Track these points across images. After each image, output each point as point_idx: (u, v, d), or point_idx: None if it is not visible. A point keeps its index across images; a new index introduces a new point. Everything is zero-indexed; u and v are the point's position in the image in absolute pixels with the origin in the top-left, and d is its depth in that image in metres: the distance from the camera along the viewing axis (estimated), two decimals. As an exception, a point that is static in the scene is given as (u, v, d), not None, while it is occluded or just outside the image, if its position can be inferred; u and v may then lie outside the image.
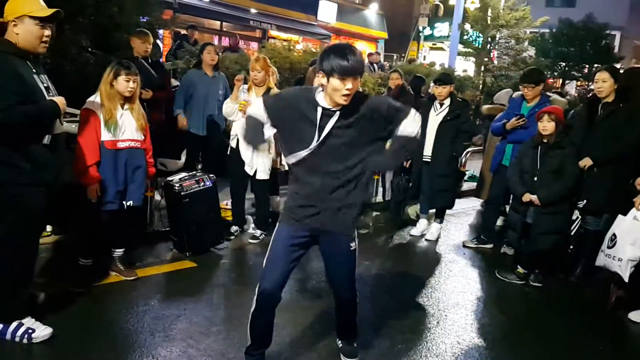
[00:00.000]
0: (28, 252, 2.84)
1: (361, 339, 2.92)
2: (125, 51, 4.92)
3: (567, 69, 17.64)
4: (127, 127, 3.45)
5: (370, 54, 13.55)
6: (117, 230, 3.65)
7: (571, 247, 4.38)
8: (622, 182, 4.00)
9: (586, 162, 4.12)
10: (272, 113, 2.39)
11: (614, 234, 3.77)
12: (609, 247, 3.79)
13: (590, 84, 16.53)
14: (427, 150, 5.05)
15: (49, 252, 4.02)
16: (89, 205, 3.39)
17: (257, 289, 2.50)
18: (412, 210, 6.00)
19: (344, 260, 2.55)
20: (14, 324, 2.78)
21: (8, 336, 2.77)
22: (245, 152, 4.55)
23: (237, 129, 4.59)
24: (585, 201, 4.16)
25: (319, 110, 2.30)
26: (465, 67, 15.72)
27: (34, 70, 2.70)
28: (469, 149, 7.14)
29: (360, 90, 6.91)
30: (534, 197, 4.01)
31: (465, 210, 6.54)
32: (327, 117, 2.30)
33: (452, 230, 5.69)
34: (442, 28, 19.20)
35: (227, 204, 5.08)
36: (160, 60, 6.74)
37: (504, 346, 3.20)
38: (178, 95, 5.28)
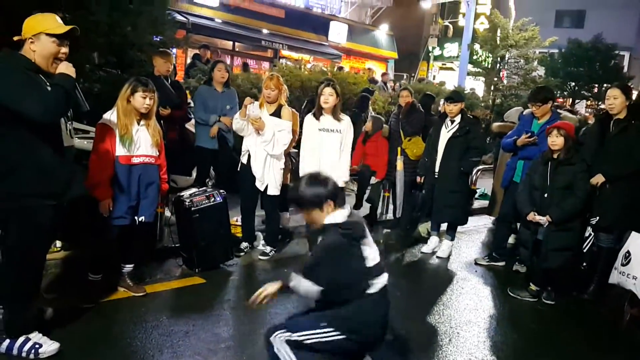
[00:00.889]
0: (35, 265, 2.84)
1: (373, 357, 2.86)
2: (138, 69, 5.01)
3: (576, 88, 17.65)
4: (142, 143, 3.47)
5: (383, 74, 13.97)
6: (127, 246, 3.65)
7: (584, 264, 4.31)
8: (635, 199, 3.96)
9: (598, 179, 4.08)
10: None
11: (628, 252, 3.72)
12: (622, 265, 3.73)
13: (600, 103, 16.52)
14: (437, 167, 5.06)
15: (58, 268, 4.02)
16: (100, 220, 3.40)
17: None
18: (423, 227, 5.96)
19: None
20: (21, 339, 2.77)
21: (15, 351, 2.75)
22: (257, 167, 4.57)
23: (249, 144, 4.61)
24: (597, 218, 4.10)
25: None
26: (474, 86, 15.77)
27: (47, 83, 2.73)
28: (480, 167, 7.12)
29: (371, 111, 6.80)
30: (540, 218, 3.96)
31: (477, 228, 6.48)
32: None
33: (464, 248, 5.63)
34: (451, 48, 19.36)
35: (237, 220, 5.08)
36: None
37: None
38: (198, 107, 5.30)
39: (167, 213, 4.77)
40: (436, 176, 5.08)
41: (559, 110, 5.32)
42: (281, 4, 15.48)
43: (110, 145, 3.36)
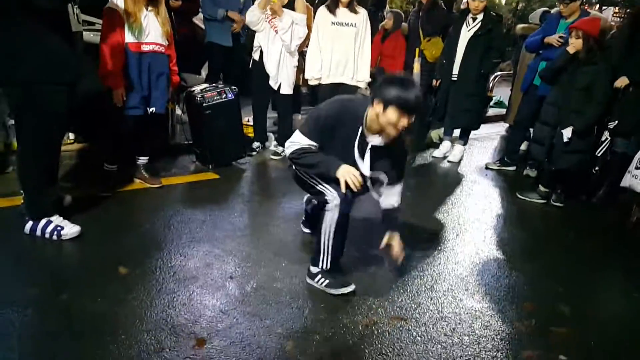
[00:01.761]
0: (51, 151, 2.87)
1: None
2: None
3: (605, -7, 16.55)
4: (152, 31, 3.35)
5: None
6: (141, 138, 3.67)
7: (597, 168, 4.29)
8: (659, 104, 3.83)
9: (622, 81, 3.93)
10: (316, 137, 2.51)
11: None
12: (636, 168, 3.71)
13: (628, 10, 15.58)
14: (456, 69, 4.90)
15: (72, 159, 4.10)
16: (114, 110, 3.38)
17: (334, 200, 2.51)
18: (435, 133, 5.91)
19: None
20: (43, 221, 2.86)
21: (38, 232, 2.85)
22: (271, 65, 4.44)
23: (261, 40, 4.45)
24: (616, 122, 4.02)
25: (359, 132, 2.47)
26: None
27: None
28: (497, 73, 6.91)
29: (388, 9, 6.40)
30: (566, 132, 3.86)
31: (490, 135, 6.42)
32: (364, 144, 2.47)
33: (476, 154, 5.62)
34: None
35: (248, 120, 5.05)
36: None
37: (523, 259, 3.23)
38: (207, 1, 5.04)
39: (178, 111, 4.74)
40: (454, 78, 4.93)
41: (588, 10, 5.02)
42: None
43: (120, 32, 3.24)
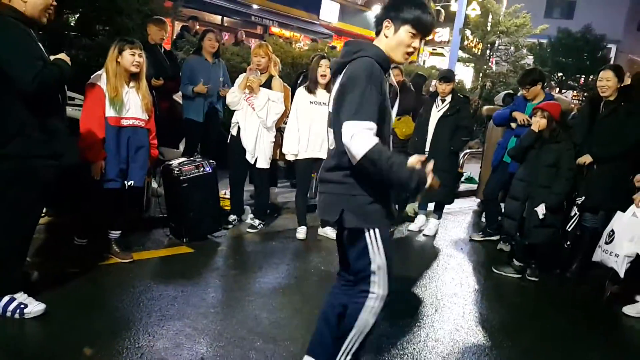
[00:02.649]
0: (28, 226, 2.80)
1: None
2: (127, 36, 4.90)
3: (564, 78, 17.80)
4: (132, 105, 3.41)
5: None
6: (115, 211, 3.61)
7: (568, 242, 4.38)
8: (621, 180, 4.01)
9: (586, 159, 4.13)
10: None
11: (612, 230, 3.78)
12: (606, 243, 3.79)
13: (585, 94, 16.70)
14: (428, 146, 5.08)
15: (42, 233, 3.95)
16: (89, 183, 3.35)
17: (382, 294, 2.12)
18: (410, 207, 5.99)
19: None
20: (6, 298, 2.72)
21: (-1, 311, 2.71)
22: (248, 140, 4.53)
23: (239, 117, 4.57)
24: (583, 198, 4.17)
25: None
26: (464, 73, 15.80)
27: (36, 38, 2.67)
28: (467, 151, 7.18)
29: None
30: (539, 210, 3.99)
31: (463, 210, 6.54)
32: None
33: (450, 227, 5.69)
34: (443, 33, 19.29)
35: (225, 194, 5.05)
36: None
37: (502, 334, 3.19)
38: (184, 80, 5.22)
39: (154, 184, 4.72)
40: (426, 155, 5.10)
41: (552, 94, 5.37)
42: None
43: (100, 106, 3.30)
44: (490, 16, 13.92)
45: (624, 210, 3.80)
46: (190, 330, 2.79)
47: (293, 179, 6.41)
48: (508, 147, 4.70)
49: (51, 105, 2.71)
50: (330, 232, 4.68)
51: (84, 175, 3.32)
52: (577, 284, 4.24)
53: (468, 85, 14.16)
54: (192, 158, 4.44)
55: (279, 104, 4.52)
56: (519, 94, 5.26)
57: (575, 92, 18.23)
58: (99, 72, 3.38)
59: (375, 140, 1.85)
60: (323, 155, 4.59)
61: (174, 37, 8.11)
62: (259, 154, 4.58)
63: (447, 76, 5.07)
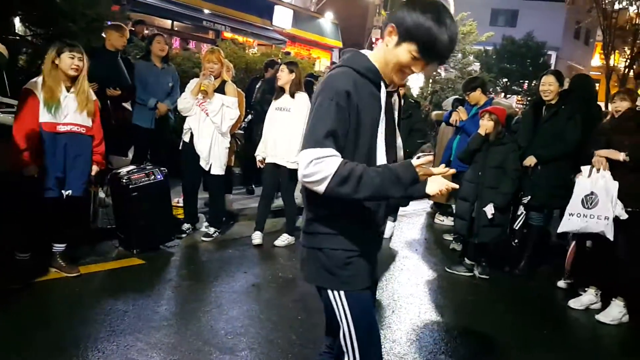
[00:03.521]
0: None
1: (319, 328, 2.86)
2: (72, 41, 4.70)
3: (508, 84, 18.59)
4: (71, 112, 3.27)
5: (332, 63, 14.23)
6: (57, 223, 3.44)
7: (516, 240, 4.54)
8: (564, 179, 4.19)
9: (530, 160, 4.30)
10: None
11: (592, 193, 3.65)
12: (588, 208, 3.66)
13: (529, 99, 17.51)
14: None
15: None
16: (27, 193, 3.18)
17: None
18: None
19: None
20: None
21: None
22: (202, 146, 4.44)
23: (192, 122, 4.47)
24: (529, 197, 4.33)
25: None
26: (414, 79, 16.16)
27: None
28: (419, 154, 7.34)
29: None
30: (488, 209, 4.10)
31: (417, 212, 6.67)
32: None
33: (405, 229, 5.78)
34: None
35: (178, 202, 4.92)
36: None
37: (457, 332, 3.26)
38: (139, 87, 5.05)
39: (101, 194, 4.53)
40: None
41: (493, 98, 5.60)
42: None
43: (34, 112, 3.15)
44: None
45: (563, 210, 3.93)
46: (142, 345, 2.69)
47: (249, 185, 6.35)
48: (453, 146, 4.85)
49: None
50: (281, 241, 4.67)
51: (23, 185, 3.15)
52: (526, 279, 4.39)
53: (419, 85, 14.51)
54: (142, 166, 4.31)
55: (233, 109, 4.46)
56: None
57: (519, 96, 19.08)
58: (36, 79, 3.23)
59: (328, 170, 1.50)
60: (279, 160, 4.56)
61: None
62: (213, 160, 4.50)
63: None
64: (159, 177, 4.17)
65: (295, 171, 4.57)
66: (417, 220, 6.35)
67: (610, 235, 3.54)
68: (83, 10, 5.37)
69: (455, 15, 15.28)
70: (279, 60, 4.99)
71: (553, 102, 4.32)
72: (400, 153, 1.81)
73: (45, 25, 5.22)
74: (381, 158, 1.68)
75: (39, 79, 3.20)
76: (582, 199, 3.71)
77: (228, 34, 14.06)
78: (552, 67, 20.67)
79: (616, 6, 17.59)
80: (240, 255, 4.35)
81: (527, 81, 18.71)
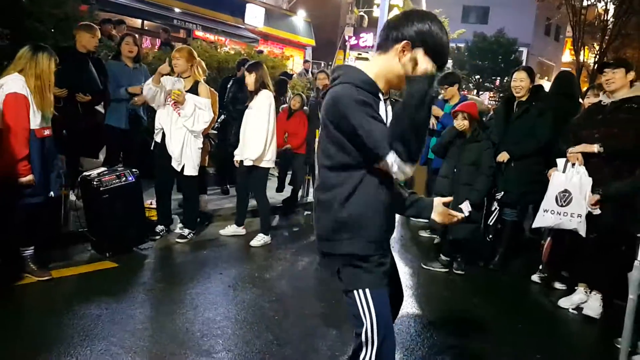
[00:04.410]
0: None
1: (296, 328, 2.87)
2: (38, 42, 4.57)
3: (480, 80, 18.87)
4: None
5: (305, 62, 14.61)
6: (29, 227, 3.35)
7: (490, 236, 4.62)
8: (536, 175, 4.27)
9: (503, 156, 4.36)
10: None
11: (565, 190, 3.72)
12: (562, 206, 3.74)
13: (501, 95, 17.83)
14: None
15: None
16: (7, 199, 3.12)
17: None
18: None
19: None
20: None
21: None
22: (174, 146, 4.38)
23: (163, 122, 4.41)
24: (502, 193, 4.40)
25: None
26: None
27: None
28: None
29: (290, 94, 6.57)
30: (464, 207, 4.13)
31: (392, 209, 6.72)
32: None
33: (381, 227, 5.82)
34: (367, 38, 19.76)
35: (151, 203, 4.84)
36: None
37: (433, 327, 3.30)
38: (112, 84, 4.92)
39: (72, 197, 4.43)
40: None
41: (467, 95, 5.67)
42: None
43: (26, 118, 3.13)
44: (411, 21, 14.47)
45: (538, 205, 4.01)
46: (116, 349, 2.64)
47: (224, 186, 6.30)
48: (430, 145, 4.90)
49: None
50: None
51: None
52: (501, 274, 4.47)
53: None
54: (113, 167, 4.22)
55: (207, 111, 4.41)
56: (439, 97, 5.49)
57: (491, 93, 19.40)
58: (17, 82, 3.13)
59: (392, 157, 1.62)
60: (242, 158, 4.60)
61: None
62: (185, 160, 4.44)
63: None
64: (130, 178, 4.10)
65: (253, 167, 4.56)
66: (393, 217, 6.40)
67: (582, 232, 3.62)
68: (50, 10, 5.24)
69: (427, 12, 15.43)
70: (252, 60, 4.96)
71: (524, 98, 4.40)
72: None
73: (9, 26, 5.06)
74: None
75: (21, 82, 3.13)
76: (557, 196, 3.78)
77: (199, 33, 13.89)
78: (524, 64, 21.13)
79: (585, 2, 18.00)
80: (215, 256, 4.32)
81: (499, 78, 19.04)
